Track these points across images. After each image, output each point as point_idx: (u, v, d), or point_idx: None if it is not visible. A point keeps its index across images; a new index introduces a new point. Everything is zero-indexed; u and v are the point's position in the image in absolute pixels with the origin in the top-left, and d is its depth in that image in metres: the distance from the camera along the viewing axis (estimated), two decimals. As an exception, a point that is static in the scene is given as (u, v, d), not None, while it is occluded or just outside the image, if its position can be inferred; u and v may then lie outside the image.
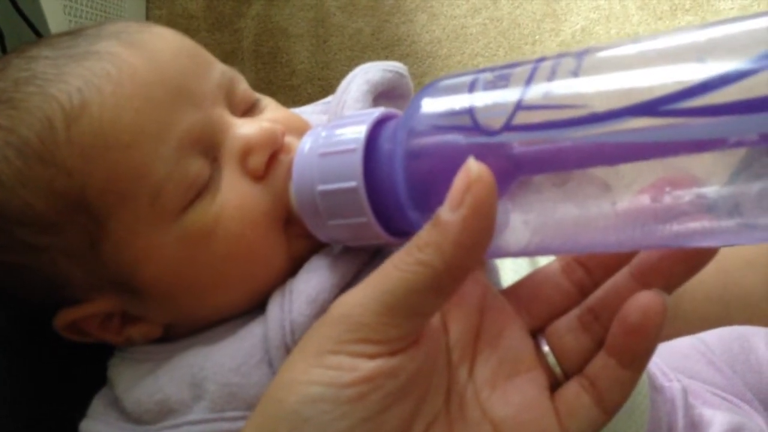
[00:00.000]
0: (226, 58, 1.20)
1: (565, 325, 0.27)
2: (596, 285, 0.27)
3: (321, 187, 0.27)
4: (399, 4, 1.23)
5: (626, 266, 0.26)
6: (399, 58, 1.17)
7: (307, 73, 1.18)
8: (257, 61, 1.20)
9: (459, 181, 0.22)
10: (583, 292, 0.27)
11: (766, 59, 0.20)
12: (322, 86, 1.18)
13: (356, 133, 0.27)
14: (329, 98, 0.45)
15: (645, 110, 0.21)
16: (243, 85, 0.35)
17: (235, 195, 0.31)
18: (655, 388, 0.36)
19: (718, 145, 0.20)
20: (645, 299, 0.23)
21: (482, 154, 0.23)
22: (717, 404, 0.38)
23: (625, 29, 1.16)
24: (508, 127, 0.23)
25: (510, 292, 0.28)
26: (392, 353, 0.23)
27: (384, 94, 0.40)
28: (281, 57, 1.20)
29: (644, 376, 0.35)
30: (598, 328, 0.26)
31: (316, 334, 0.24)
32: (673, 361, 0.42)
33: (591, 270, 0.27)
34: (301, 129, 0.32)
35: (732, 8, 1.16)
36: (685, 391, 0.37)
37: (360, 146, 0.27)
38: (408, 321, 0.23)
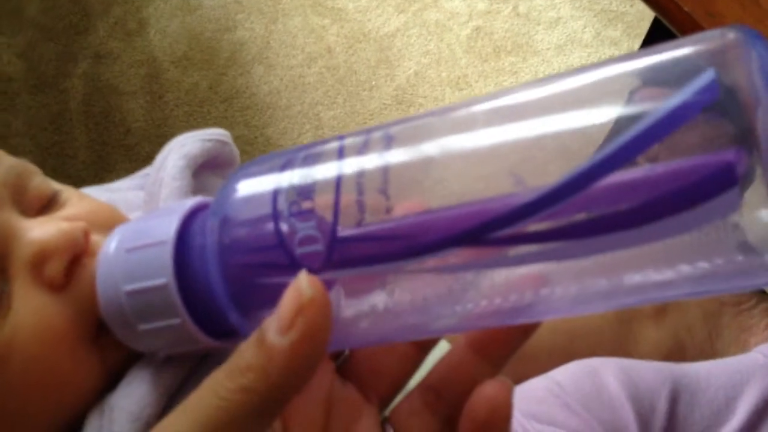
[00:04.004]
0: (54, 120, 1.14)
1: (409, 407, 0.25)
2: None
3: (127, 288, 0.25)
4: (235, 56, 1.22)
5: (463, 335, 0.25)
6: (238, 111, 1.16)
7: (143, 131, 1.14)
8: (88, 122, 1.14)
9: (289, 301, 0.20)
10: (421, 346, 0.26)
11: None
12: (160, 143, 1.14)
13: (166, 226, 0.24)
14: (146, 170, 0.41)
15: (469, 240, 0.20)
16: (36, 179, 0.31)
17: (29, 312, 0.27)
18: None
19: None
20: (490, 392, 0.22)
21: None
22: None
23: (454, 72, 1.22)
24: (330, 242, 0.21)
25: (351, 367, 0.27)
26: None
27: (207, 164, 0.38)
28: (114, 116, 1.15)
29: None
30: (443, 407, 0.25)
31: None
32: (528, 407, 0.42)
33: None
34: (109, 223, 0.29)
35: (549, 48, 1.26)
36: None
37: (170, 240, 0.24)
38: None
